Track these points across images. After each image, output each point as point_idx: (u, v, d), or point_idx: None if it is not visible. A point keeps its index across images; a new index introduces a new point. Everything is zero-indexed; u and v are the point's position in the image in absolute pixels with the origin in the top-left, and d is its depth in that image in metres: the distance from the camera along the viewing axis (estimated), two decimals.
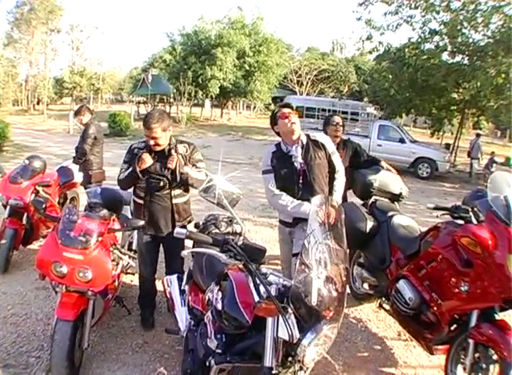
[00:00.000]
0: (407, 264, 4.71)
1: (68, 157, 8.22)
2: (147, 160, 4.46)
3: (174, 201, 4.68)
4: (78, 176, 7.86)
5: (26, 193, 6.39)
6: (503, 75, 16.86)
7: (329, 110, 23.01)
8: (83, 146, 7.71)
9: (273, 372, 2.64)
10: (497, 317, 3.84)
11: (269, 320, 2.65)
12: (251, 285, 2.87)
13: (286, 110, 4.53)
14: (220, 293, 3.01)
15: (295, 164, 4.51)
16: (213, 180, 3.66)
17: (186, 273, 4.44)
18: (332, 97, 44.84)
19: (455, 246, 4.08)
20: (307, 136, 4.65)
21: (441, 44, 20.59)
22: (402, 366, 4.72)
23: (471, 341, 3.77)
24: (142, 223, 4.37)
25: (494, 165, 19.79)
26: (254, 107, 53.54)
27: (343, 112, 23.27)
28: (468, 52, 20.06)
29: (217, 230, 4.29)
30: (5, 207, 6.46)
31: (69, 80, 38.97)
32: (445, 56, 21.26)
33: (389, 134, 20.01)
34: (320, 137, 4.75)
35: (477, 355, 3.78)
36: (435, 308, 4.16)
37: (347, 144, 6.13)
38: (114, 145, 18.63)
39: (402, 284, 4.51)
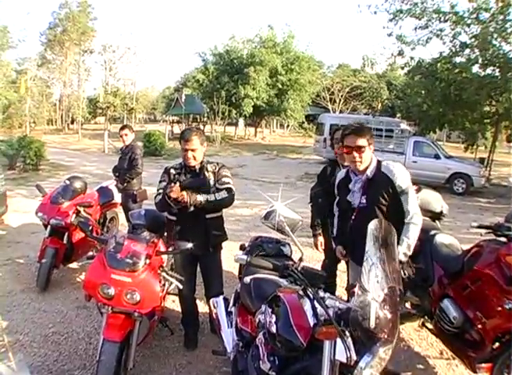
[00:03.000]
0: (450, 282, 4.70)
1: (104, 176, 8.27)
2: (176, 193, 4.34)
3: (208, 215, 4.68)
4: (118, 197, 7.94)
5: (68, 213, 6.50)
6: None
7: None
8: (138, 166, 7.86)
9: None
10: None
11: (326, 343, 2.65)
12: (305, 308, 2.90)
13: (351, 141, 3.97)
14: (274, 316, 3.02)
15: (352, 198, 4.15)
16: (274, 206, 3.66)
17: (233, 295, 4.46)
18: (365, 113, 44.78)
19: (499, 264, 4.09)
20: (378, 166, 4.06)
21: (472, 56, 20.52)
22: None
23: None
24: (190, 245, 4.29)
25: None
26: (288, 125, 53.70)
27: (378, 129, 23.00)
28: (500, 64, 19.88)
29: (264, 253, 4.30)
30: (45, 227, 6.58)
31: (103, 100, 39.39)
32: (476, 69, 21.21)
33: (424, 150, 19.84)
34: (393, 170, 4.01)
35: None
36: (479, 327, 4.14)
37: None
38: (150, 165, 18.68)
39: (446, 303, 4.51)
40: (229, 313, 4.28)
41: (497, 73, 20.56)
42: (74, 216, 6.52)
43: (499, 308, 3.92)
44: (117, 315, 3.97)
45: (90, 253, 6.87)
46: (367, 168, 4.01)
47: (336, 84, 51.63)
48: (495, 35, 18.85)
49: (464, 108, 21.31)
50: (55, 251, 6.39)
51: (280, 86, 37.66)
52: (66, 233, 6.53)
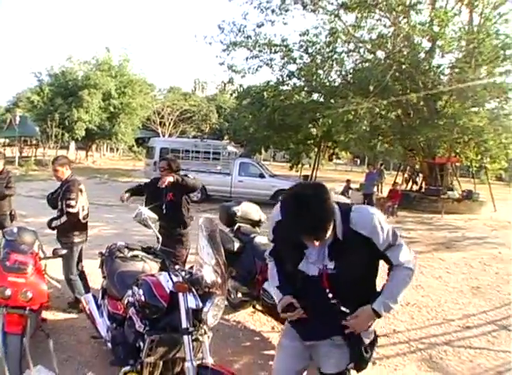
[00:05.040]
0: None
1: None
2: None
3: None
4: None
5: None
6: (352, 113, 18.76)
7: (193, 151, 23.68)
8: (12, 189, 8.42)
9: (189, 330, 3.77)
10: None
11: (180, 295, 3.84)
12: (162, 282, 4.21)
13: (307, 240, 2.80)
14: (141, 290, 4.16)
15: (307, 269, 3.03)
16: (140, 209, 5.32)
17: (100, 292, 5.59)
18: (194, 136, 46.02)
19: None
20: (345, 223, 2.89)
21: (298, 85, 22.72)
22: None
23: None
24: (65, 251, 5.79)
25: (350, 191, 21.79)
26: (117, 149, 53.99)
27: (206, 152, 24.08)
28: (323, 92, 22.19)
29: (121, 254, 5.45)
30: None
31: None
32: (301, 95, 23.39)
33: (249, 171, 21.28)
34: (366, 222, 2.87)
35: None
36: None
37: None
38: None
39: (266, 284, 5.73)
40: (98, 306, 5.36)
41: (321, 99, 22.84)
42: None
43: None
44: (12, 314, 4.72)
45: None
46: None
47: (167, 108, 52.80)
48: (321, 66, 21.07)
49: (289, 130, 23.39)
50: None
51: (112, 109, 37.93)
52: None
